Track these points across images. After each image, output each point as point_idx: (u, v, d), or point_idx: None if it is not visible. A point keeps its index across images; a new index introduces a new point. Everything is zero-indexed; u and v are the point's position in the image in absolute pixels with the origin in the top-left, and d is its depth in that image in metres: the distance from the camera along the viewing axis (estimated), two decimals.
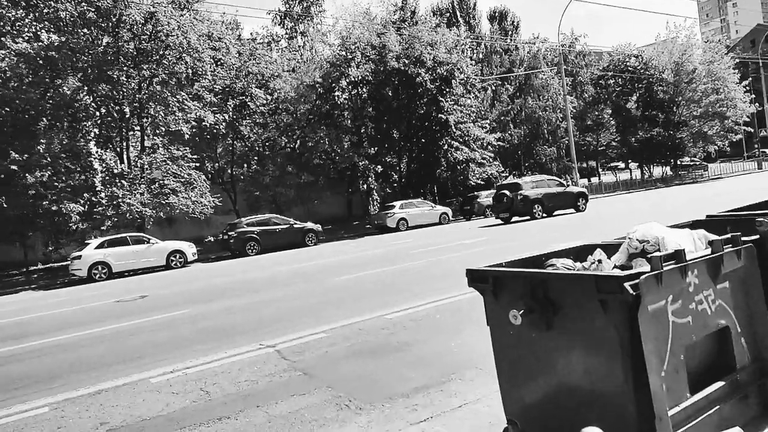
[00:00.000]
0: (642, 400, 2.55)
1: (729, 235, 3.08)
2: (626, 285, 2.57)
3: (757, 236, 3.29)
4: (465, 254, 13.26)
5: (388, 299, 8.55)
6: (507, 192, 22.58)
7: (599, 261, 3.46)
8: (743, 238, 3.16)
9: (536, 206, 22.17)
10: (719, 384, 2.84)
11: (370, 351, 5.98)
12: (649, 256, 2.66)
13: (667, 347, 2.65)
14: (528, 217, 22.38)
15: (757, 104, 47.09)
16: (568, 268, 3.58)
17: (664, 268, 2.64)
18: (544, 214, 22.41)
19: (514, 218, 22.79)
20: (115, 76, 21.90)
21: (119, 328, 8.89)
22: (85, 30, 21.60)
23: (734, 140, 48.86)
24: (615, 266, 3.19)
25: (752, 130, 48.04)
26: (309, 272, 13.69)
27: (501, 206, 22.83)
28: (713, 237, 3.21)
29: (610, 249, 3.65)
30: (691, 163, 51.62)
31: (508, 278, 3.22)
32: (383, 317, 7.39)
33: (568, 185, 25.44)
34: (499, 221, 23.29)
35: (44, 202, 19.62)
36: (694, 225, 4.66)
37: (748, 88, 46.70)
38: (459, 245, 15.59)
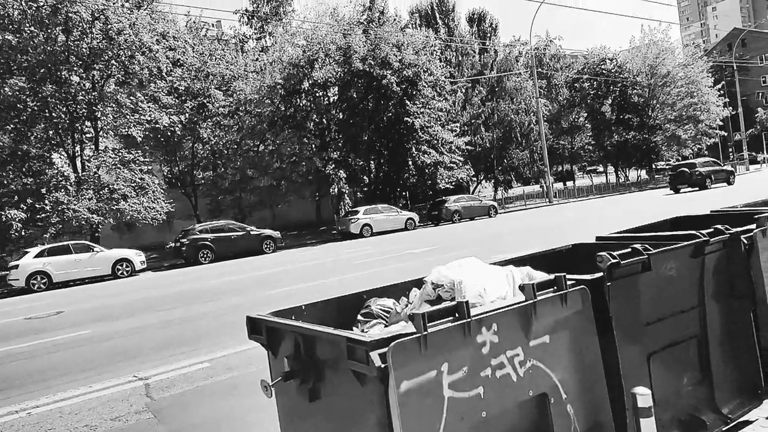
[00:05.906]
0: None
1: (552, 276, 2.45)
2: (374, 354, 1.94)
3: (600, 274, 2.68)
4: (411, 264, 12.67)
5: None
6: (686, 169, 29.51)
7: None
8: (577, 277, 2.54)
9: (708, 180, 29.21)
10: None
11: (245, 386, 5.40)
12: (411, 312, 2.02)
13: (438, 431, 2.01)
14: (698, 188, 28.92)
15: (731, 108, 47.05)
16: (384, 311, 2.94)
17: (431, 330, 2.00)
18: (713, 186, 29.20)
19: (686, 189, 29.37)
20: (64, 77, 20.99)
21: (4, 353, 8.13)
22: (33, 29, 20.65)
23: (709, 144, 48.82)
24: (408, 315, 2.54)
25: (725, 134, 48.05)
26: (246, 285, 12.97)
27: (679, 179, 29.63)
28: (540, 276, 2.59)
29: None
30: (667, 167, 51.51)
31: (282, 331, 2.58)
32: None
33: (724, 165, 32.50)
34: (671, 192, 29.72)
35: None
36: (573, 249, 4.08)
37: (722, 91, 46.62)
38: (409, 254, 15.03)
